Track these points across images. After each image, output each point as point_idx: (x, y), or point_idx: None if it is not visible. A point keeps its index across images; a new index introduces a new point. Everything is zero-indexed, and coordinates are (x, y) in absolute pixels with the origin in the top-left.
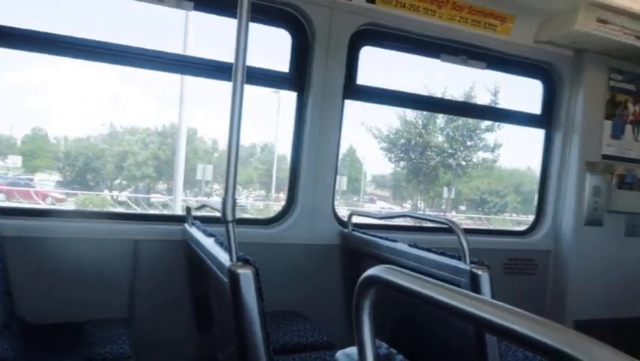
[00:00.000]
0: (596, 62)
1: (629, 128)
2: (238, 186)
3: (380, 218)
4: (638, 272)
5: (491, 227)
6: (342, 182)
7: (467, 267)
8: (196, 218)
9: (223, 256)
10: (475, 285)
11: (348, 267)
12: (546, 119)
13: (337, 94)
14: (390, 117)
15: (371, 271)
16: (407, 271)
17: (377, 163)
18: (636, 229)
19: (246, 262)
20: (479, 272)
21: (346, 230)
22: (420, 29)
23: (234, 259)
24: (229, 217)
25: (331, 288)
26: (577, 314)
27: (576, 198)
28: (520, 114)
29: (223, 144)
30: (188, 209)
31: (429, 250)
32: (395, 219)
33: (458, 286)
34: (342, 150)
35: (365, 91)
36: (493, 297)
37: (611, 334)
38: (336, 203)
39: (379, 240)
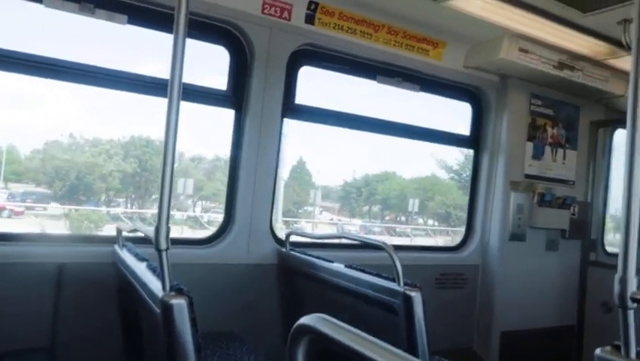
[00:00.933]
0: (519, 88)
1: (548, 149)
2: (204, 201)
3: (317, 239)
4: (558, 284)
5: (424, 244)
6: (317, 195)
7: (401, 289)
8: (127, 239)
9: (155, 285)
10: (408, 306)
11: (286, 287)
12: (474, 141)
13: (276, 113)
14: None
15: (304, 320)
16: (342, 324)
17: (330, 175)
18: (555, 244)
19: (179, 291)
20: (412, 294)
21: (284, 249)
22: (357, 51)
23: (167, 288)
24: (162, 245)
25: (268, 308)
26: (503, 326)
27: (502, 215)
28: (450, 135)
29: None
30: (118, 230)
31: (364, 271)
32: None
33: (392, 307)
34: (293, 162)
35: (304, 110)
36: (425, 316)
37: (534, 343)
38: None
39: (316, 260)
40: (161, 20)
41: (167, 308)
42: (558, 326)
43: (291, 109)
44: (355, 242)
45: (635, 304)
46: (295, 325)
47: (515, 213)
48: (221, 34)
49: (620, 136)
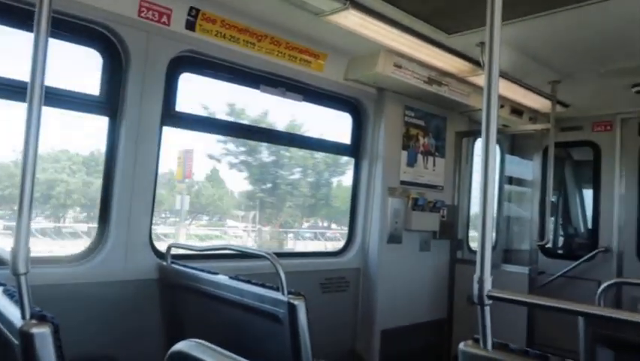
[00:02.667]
0: (394, 100)
1: (420, 157)
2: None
3: (199, 251)
4: (431, 282)
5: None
6: (184, 201)
7: (285, 298)
8: None
9: (13, 313)
10: (292, 315)
11: (168, 303)
12: (355, 149)
13: (154, 121)
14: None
15: (179, 347)
16: (217, 349)
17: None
18: (427, 245)
19: (41, 318)
20: (296, 302)
21: (165, 263)
22: (240, 60)
23: (27, 316)
24: (21, 269)
25: (149, 327)
26: (383, 324)
27: (380, 219)
28: (333, 144)
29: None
30: None
31: (249, 281)
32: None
33: (277, 317)
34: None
35: (185, 118)
36: (309, 323)
37: (411, 338)
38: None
39: (199, 273)
40: (21, 18)
41: (26, 339)
42: (432, 320)
43: (171, 117)
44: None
45: (490, 301)
46: (169, 352)
47: (392, 217)
48: (93, 37)
49: (480, 145)
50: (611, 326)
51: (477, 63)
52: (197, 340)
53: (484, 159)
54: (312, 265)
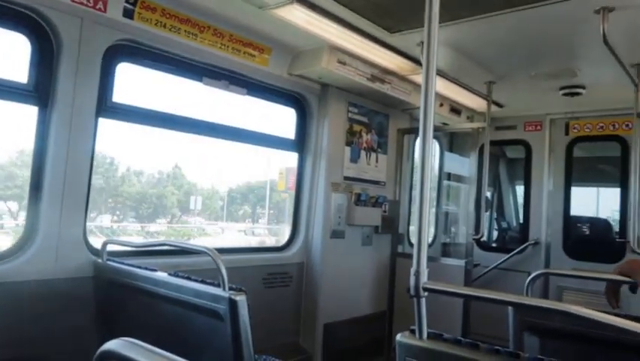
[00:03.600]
0: (338, 96)
1: (363, 153)
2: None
3: (137, 247)
4: (372, 275)
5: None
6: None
7: (226, 294)
8: None
9: None
10: (233, 311)
11: (104, 301)
12: (299, 145)
13: (89, 112)
14: None
15: (109, 346)
16: (149, 347)
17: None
18: (369, 239)
19: None
20: (237, 298)
21: (100, 260)
22: (182, 51)
23: None
24: None
25: (84, 326)
26: (326, 318)
27: (324, 214)
28: (277, 139)
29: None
30: None
31: (189, 278)
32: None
33: (218, 313)
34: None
35: (122, 110)
36: (250, 319)
37: (353, 331)
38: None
39: (137, 270)
40: None
41: None
42: (373, 313)
43: (108, 108)
44: (179, 248)
45: (426, 293)
46: (98, 351)
47: (336, 212)
48: (21, 21)
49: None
50: (536, 314)
51: (418, 62)
52: (127, 338)
53: (422, 156)
54: (254, 260)
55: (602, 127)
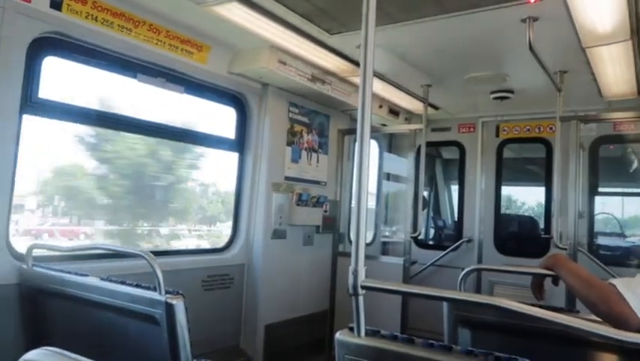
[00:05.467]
0: (279, 96)
1: (304, 153)
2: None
3: (66, 251)
4: (314, 275)
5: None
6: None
7: (162, 298)
8: None
9: None
10: (169, 315)
11: (31, 310)
12: (239, 144)
13: (12, 108)
14: None
15: (29, 356)
16: (71, 355)
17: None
18: (311, 239)
19: None
20: (174, 302)
21: (25, 266)
22: (115, 46)
23: None
24: None
25: (7, 337)
26: (268, 319)
27: (265, 215)
28: (216, 138)
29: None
30: None
31: (123, 282)
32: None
33: (154, 318)
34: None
35: (49, 106)
36: (188, 324)
37: (294, 331)
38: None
39: (66, 275)
40: None
41: None
42: (315, 312)
43: (33, 104)
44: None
45: (364, 291)
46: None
47: (277, 212)
48: None
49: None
50: (468, 308)
51: (357, 64)
52: (50, 348)
53: (359, 156)
54: (193, 262)
55: (528, 129)
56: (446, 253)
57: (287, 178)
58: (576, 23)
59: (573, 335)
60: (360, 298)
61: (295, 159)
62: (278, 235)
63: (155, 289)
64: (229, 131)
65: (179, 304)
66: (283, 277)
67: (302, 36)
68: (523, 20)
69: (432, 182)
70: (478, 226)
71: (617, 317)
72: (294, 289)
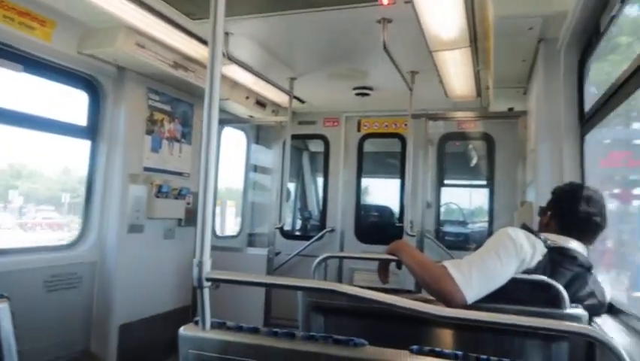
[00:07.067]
0: (137, 81)
1: (165, 143)
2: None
3: None
4: (175, 270)
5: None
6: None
7: None
8: None
9: None
10: None
11: None
12: (91, 131)
13: None
14: None
15: None
16: None
17: None
18: (172, 232)
19: None
20: None
21: None
22: None
23: None
24: None
25: None
26: (123, 319)
27: (120, 208)
28: (65, 125)
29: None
30: None
31: None
32: None
33: None
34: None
35: None
36: (14, 328)
37: (154, 329)
38: None
39: None
40: None
41: None
42: (176, 308)
43: None
44: None
45: (209, 283)
46: None
47: (134, 205)
48: None
49: (228, 132)
50: (318, 295)
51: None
52: None
53: (206, 145)
54: (33, 261)
55: (386, 125)
56: (310, 243)
57: (146, 169)
58: (424, 28)
59: (412, 315)
60: (206, 291)
61: (155, 149)
62: (135, 229)
63: None
64: (81, 118)
65: (4, 309)
66: (141, 274)
67: (162, 19)
68: (379, 21)
69: (299, 174)
70: (341, 216)
71: (445, 295)
72: (153, 286)
